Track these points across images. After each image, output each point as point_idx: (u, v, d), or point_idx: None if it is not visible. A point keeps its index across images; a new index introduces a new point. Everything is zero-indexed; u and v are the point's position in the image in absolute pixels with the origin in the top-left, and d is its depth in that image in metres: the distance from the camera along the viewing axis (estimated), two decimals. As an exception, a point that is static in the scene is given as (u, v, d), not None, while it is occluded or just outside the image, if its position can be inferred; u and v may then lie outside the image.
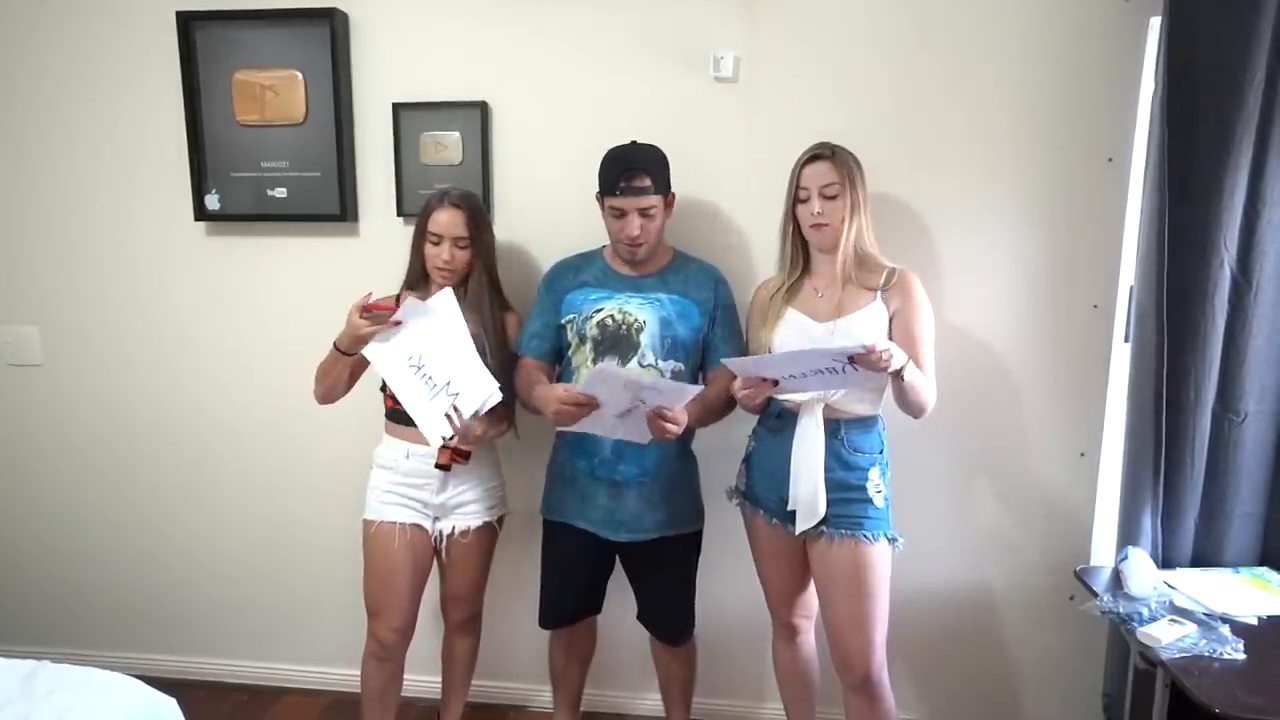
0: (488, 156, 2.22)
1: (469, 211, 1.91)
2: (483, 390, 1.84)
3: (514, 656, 2.44)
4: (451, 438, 1.84)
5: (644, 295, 1.91)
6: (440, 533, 2.03)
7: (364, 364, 1.94)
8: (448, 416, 1.82)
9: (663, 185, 1.87)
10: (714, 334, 1.94)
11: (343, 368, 1.92)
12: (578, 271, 1.99)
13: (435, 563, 2.10)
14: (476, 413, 1.85)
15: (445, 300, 1.83)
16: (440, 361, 1.82)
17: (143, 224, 2.39)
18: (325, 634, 2.54)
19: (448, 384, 1.83)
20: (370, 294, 1.83)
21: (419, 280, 1.98)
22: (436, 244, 1.90)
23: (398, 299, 1.94)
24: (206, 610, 2.60)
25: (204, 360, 2.44)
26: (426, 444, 1.91)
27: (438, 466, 1.92)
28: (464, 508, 2.02)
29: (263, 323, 2.40)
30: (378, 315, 1.81)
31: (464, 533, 2.02)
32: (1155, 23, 1.91)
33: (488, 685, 2.46)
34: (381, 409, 2.03)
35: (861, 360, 1.60)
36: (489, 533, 2.08)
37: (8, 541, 2.63)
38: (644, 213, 1.85)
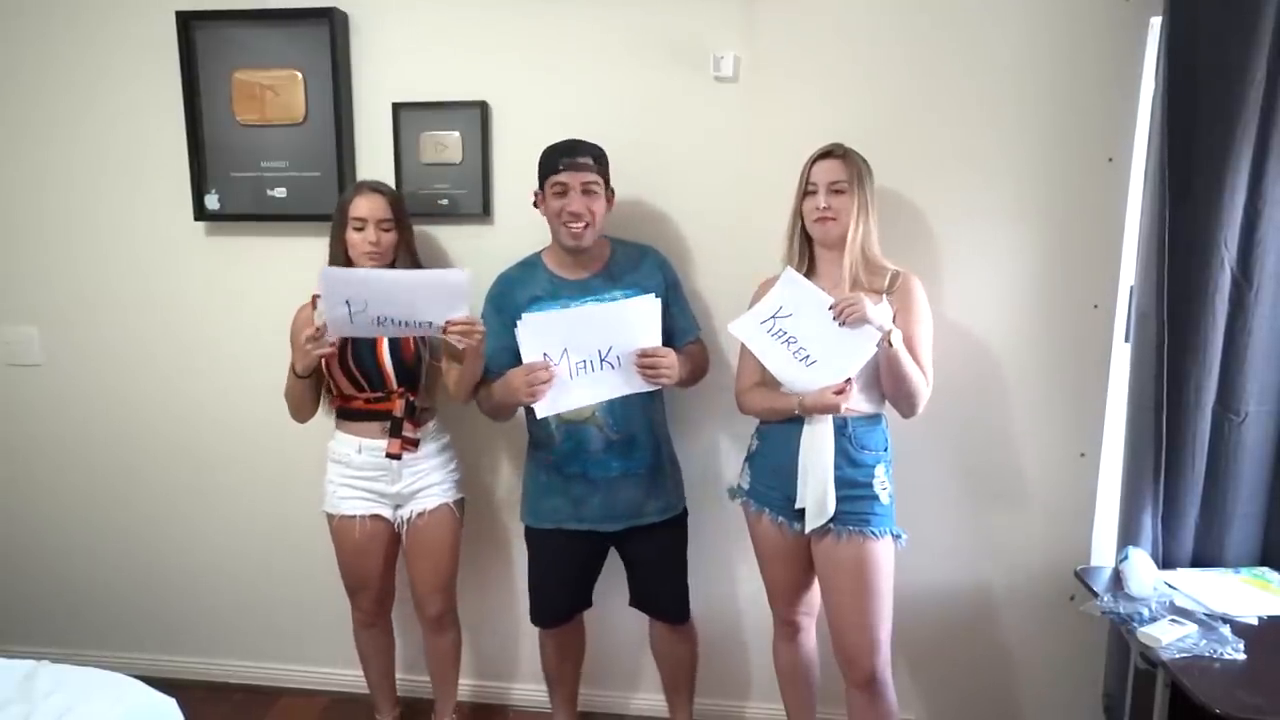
0: (488, 156, 2.22)
1: (389, 196, 1.98)
2: (450, 285, 1.81)
3: (513, 656, 2.45)
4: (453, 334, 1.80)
5: (596, 297, 1.90)
6: (401, 519, 2.07)
7: (323, 383, 2.02)
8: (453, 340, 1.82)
9: (604, 171, 1.90)
10: (670, 315, 1.95)
11: (301, 389, 1.98)
12: (524, 285, 1.96)
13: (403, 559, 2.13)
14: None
15: (328, 277, 1.81)
16: (388, 302, 1.79)
17: (142, 224, 2.39)
18: (325, 634, 2.53)
19: (412, 317, 1.81)
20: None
21: None
22: (360, 229, 1.93)
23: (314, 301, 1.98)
24: (206, 610, 2.60)
25: (204, 360, 2.44)
26: (376, 438, 2.00)
27: (388, 456, 1.97)
28: (422, 493, 2.05)
29: (262, 322, 2.39)
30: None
31: (421, 514, 2.05)
32: (1155, 22, 1.91)
33: (487, 685, 2.47)
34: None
35: (837, 314, 1.68)
36: (449, 516, 2.08)
37: (7, 541, 2.63)
38: (586, 188, 1.85)
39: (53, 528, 2.60)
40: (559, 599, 2.09)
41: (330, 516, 2.07)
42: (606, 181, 1.91)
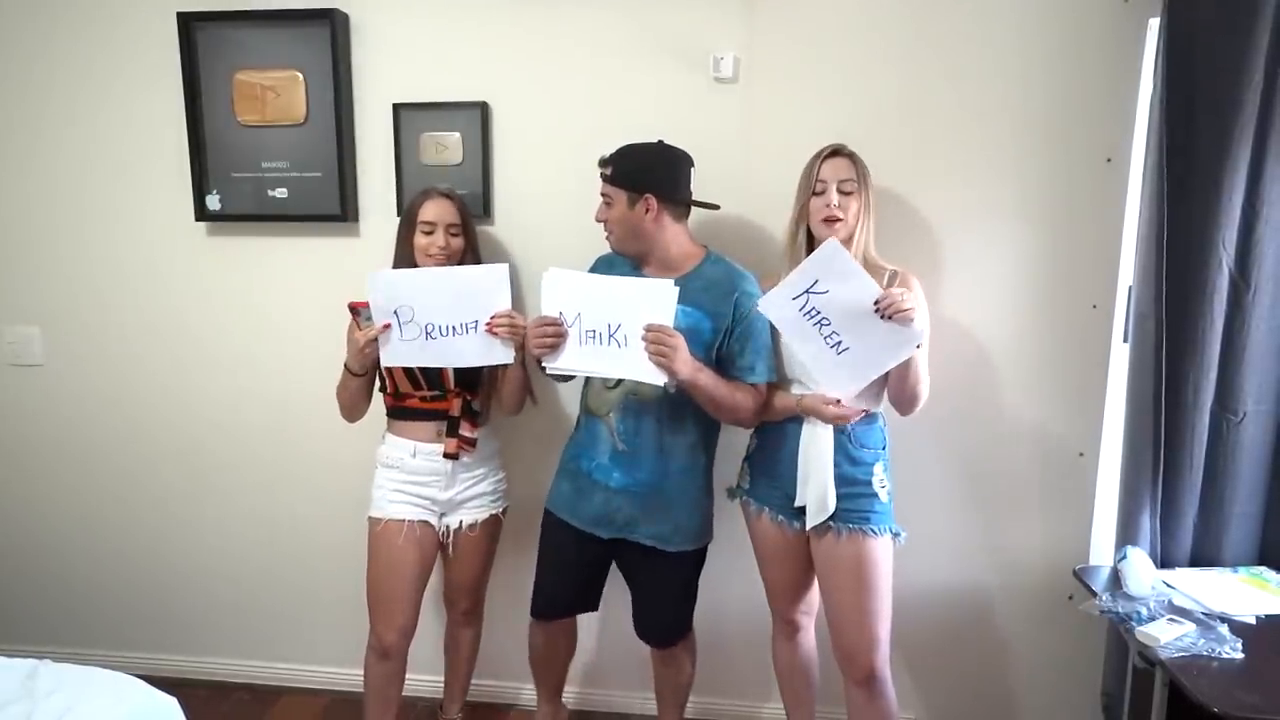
0: (488, 156, 2.22)
1: (457, 201, 2.00)
2: (491, 278, 1.86)
3: (512, 656, 2.44)
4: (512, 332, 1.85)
5: None
6: (448, 528, 2.06)
7: (375, 380, 2.02)
8: (496, 333, 1.85)
9: (625, 180, 1.83)
10: (730, 348, 1.85)
11: (356, 387, 1.98)
12: (610, 266, 1.97)
13: (439, 557, 2.12)
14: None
15: (376, 282, 1.85)
16: (444, 309, 1.85)
17: (144, 224, 2.39)
18: (325, 634, 2.54)
19: (467, 321, 1.86)
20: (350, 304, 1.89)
21: None
22: (430, 233, 1.95)
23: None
24: (207, 610, 2.60)
25: (205, 361, 2.44)
26: (432, 441, 1.99)
27: (446, 455, 1.98)
28: (471, 502, 2.06)
29: (263, 323, 2.40)
30: (367, 310, 1.86)
31: (471, 526, 2.06)
32: (1154, 23, 1.92)
33: (486, 684, 2.47)
34: (383, 408, 2.06)
35: (884, 306, 1.63)
36: (495, 524, 2.12)
37: (9, 541, 2.63)
38: (603, 197, 1.88)
39: (54, 527, 2.61)
40: (558, 593, 2.07)
41: (375, 520, 2.01)
42: (630, 187, 1.83)
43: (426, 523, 2.03)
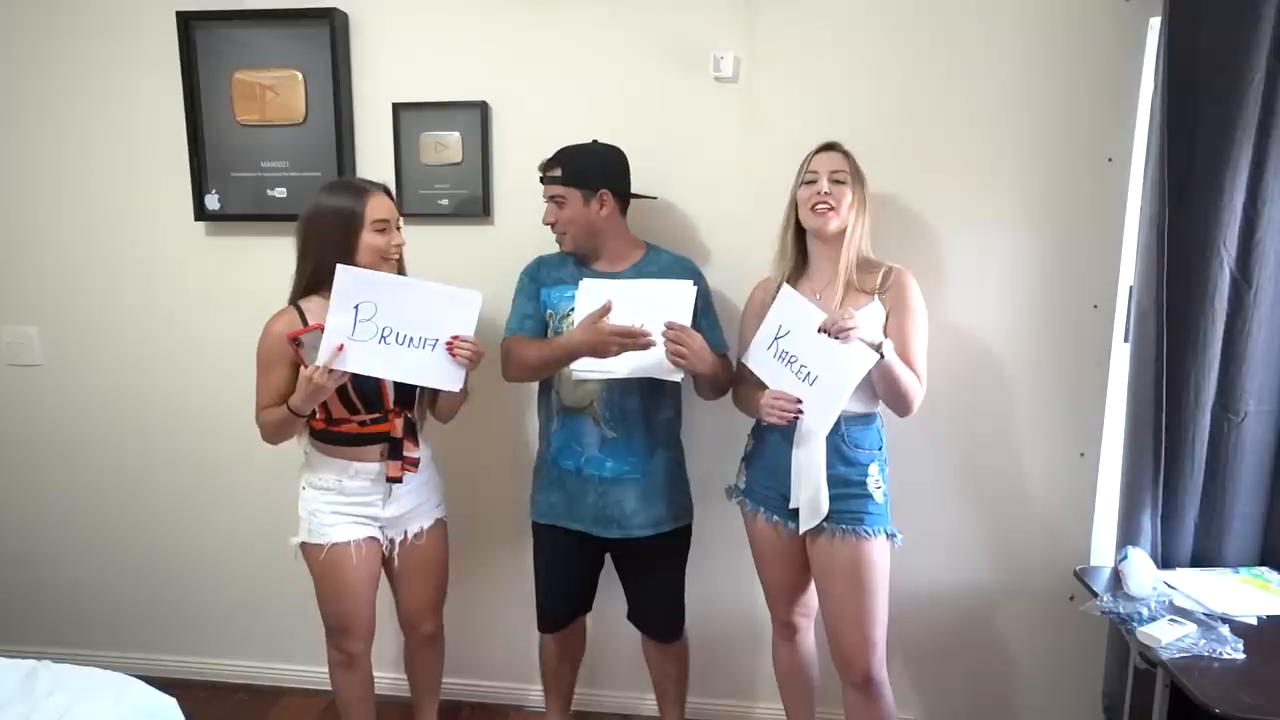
0: (488, 156, 2.22)
1: (391, 195, 1.88)
2: (462, 303, 1.80)
3: (510, 656, 2.44)
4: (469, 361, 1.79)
5: None
6: (392, 540, 1.96)
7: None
8: (456, 354, 1.79)
9: (578, 179, 1.88)
10: (700, 325, 1.89)
11: (292, 425, 1.83)
12: (554, 268, 2.00)
13: (390, 584, 2.05)
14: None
15: (348, 275, 1.73)
16: (407, 319, 1.76)
17: (143, 224, 2.39)
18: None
19: (427, 337, 1.78)
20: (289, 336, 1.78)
21: (325, 282, 1.76)
22: (383, 230, 1.81)
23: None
24: (207, 610, 2.60)
25: (204, 360, 2.44)
26: (369, 460, 1.88)
27: (389, 480, 1.89)
28: (415, 511, 1.97)
29: (263, 323, 2.39)
30: (310, 337, 1.75)
31: (418, 535, 1.98)
32: (1155, 23, 1.91)
33: (485, 685, 2.47)
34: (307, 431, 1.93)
35: (827, 329, 1.66)
36: (442, 531, 2.04)
37: (8, 541, 2.63)
38: (554, 199, 1.91)
39: (53, 527, 2.60)
40: (562, 601, 2.09)
41: (317, 548, 1.88)
42: (584, 185, 1.88)
43: (373, 539, 1.92)
